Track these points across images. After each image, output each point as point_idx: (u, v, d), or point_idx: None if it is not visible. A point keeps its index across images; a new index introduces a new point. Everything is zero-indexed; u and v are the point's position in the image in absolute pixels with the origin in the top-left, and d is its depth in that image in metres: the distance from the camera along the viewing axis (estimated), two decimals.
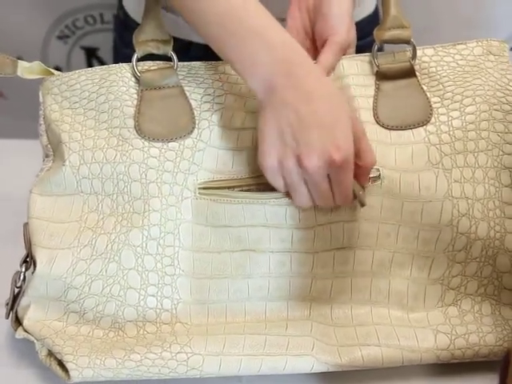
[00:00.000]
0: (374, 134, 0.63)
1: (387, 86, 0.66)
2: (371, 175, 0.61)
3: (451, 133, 0.63)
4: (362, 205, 0.60)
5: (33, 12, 1.11)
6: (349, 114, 0.57)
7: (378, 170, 0.61)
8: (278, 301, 0.63)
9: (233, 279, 0.62)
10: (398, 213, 0.62)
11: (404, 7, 0.67)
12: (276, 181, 0.58)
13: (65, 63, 1.20)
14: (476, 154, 0.63)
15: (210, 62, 0.66)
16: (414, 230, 0.62)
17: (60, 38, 1.16)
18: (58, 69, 0.68)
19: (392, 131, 0.63)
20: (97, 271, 0.61)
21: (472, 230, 0.62)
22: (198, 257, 0.62)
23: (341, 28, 0.67)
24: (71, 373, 0.59)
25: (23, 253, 0.63)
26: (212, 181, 0.61)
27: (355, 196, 0.59)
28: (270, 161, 0.57)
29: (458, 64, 0.66)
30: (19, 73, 0.64)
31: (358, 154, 0.57)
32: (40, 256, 0.61)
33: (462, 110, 0.64)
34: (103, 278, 0.61)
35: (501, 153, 0.63)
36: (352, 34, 0.69)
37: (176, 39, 0.74)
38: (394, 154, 0.62)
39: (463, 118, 0.64)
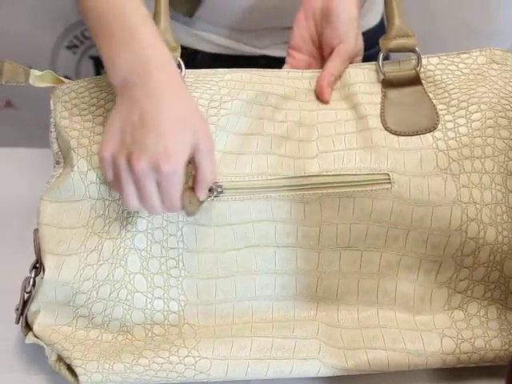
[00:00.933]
0: (383, 140, 0.64)
1: (394, 93, 0.66)
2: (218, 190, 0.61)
3: (458, 139, 0.64)
4: (189, 215, 0.60)
5: (42, 22, 1.12)
6: (196, 128, 0.57)
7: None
8: (284, 300, 0.64)
9: (239, 277, 0.63)
10: (408, 217, 0.62)
11: (407, 15, 0.68)
12: (106, 173, 0.58)
13: (74, 73, 1.21)
14: (483, 160, 0.63)
15: (217, 70, 0.67)
16: (423, 235, 0.63)
17: (69, 48, 1.17)
18: (66, 78, 0.68)
19: (400, 137, 0.64)
20: (104, 276, 0.62)
21: (480, 235, 0.62)
22: (203, 257, 0.63)
23: (349, 36, 0.68)
24: (80, 378, 0.59)
25: (33, 259, 0.64)
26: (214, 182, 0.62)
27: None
28: (104, 152, 0.57)
29: (462, 72, 0.67)
30: (31, 81, 0.65)
31: (197, 168, 0.58)
32: (48, 262, 0.62)
33: (468, 116, 0.64)
34: (110, 283, 0.62)
35: (506, 159, 0.64)
36: (360, 42, 0.70)
37: (183, 48, 0.74)
38: (403, 159, 0.63)
39: (469, 124, 0.64)
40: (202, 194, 0.59)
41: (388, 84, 0.67)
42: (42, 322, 0.62)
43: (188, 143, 0.56)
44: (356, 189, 0.62)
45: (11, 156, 0.90)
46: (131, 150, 0.55)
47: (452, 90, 0.66)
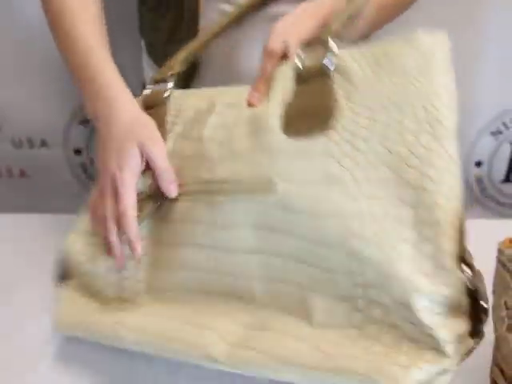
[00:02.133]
0: (277, 143, 0.62)
1: (301, 88, 0.64)
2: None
3: (355, 143, 0.59)
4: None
5: (58, 99, 1.22)
6: (141, 134, 0.67)
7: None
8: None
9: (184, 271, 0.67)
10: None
11: None
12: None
13: (84, 145, 1.25)
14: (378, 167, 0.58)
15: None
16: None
17: (81, 122, 1.23)
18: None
19: (294, 140, 0.61)
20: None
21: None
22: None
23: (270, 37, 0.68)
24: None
25: None
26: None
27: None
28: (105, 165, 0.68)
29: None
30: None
31: (151, 163, 0.66)
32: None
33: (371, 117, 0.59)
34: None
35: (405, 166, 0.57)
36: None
37: None
38: (292, 163, 0.61)
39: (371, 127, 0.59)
40: (172, 189, 0.66)
41: (299, 79, 0.64)
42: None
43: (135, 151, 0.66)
44: (241, 195, 0.62)
45: (25, 222, 0.94)
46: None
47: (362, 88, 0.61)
